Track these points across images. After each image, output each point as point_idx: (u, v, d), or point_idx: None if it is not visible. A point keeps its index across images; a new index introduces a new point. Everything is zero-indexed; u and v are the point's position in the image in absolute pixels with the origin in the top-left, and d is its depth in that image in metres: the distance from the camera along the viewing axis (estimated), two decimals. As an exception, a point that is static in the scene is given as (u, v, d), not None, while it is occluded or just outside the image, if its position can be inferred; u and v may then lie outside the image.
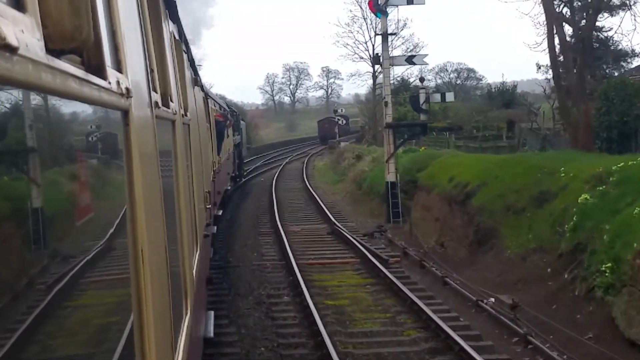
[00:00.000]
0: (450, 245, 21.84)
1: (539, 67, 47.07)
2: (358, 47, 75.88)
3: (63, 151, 2.02)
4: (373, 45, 76.15)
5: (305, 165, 59.04)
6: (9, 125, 1.40)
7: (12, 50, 1.15)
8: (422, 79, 42.04)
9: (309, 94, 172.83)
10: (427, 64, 63.83)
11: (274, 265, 20.51)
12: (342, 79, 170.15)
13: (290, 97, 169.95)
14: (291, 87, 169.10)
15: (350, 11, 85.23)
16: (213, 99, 22.45)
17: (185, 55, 8.52)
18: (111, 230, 2.54)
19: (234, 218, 30.44)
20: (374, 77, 76.32)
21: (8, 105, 1.32)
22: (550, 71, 38.58)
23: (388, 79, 31.44)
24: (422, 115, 32.46)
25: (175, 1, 6.53)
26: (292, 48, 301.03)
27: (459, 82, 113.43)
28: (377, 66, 74.37)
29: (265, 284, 18.05)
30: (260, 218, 30.72)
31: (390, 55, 31.32)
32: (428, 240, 23.35)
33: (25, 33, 1.27)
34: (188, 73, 9.04)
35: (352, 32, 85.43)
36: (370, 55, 77.53)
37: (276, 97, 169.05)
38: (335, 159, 55.04)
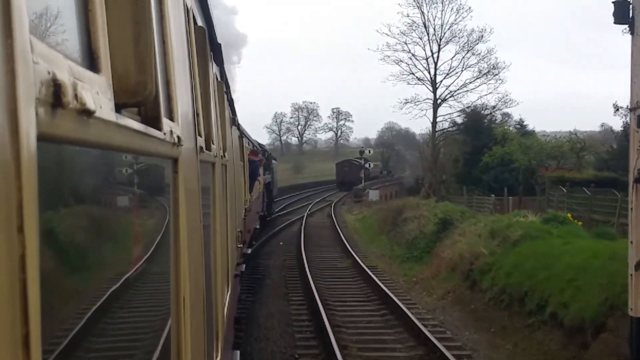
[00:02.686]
0: None
1: None
2: (415, 65, 60.34)
3: (120, 202, 2.04)
4: (435, 63, 60.66)
5: (334, 219, 45.81)
6: (80, 183, 1.42)
7: (90, 114, 1.17)
8: None
9: (318, 135, 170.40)
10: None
11: None
12: (353, 121, 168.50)
13: (298, 137, 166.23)
14: (299, 127, 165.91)
15: (407, 16, 69.24)
16: (247, 138, 22.64)
17: (225, 96, 8.64)
18: (158, 278, 2.56)
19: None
20: (436, 104, 60.92)
21: (75, 164, 1.34)
22: None
23: None
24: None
25: (220, 44, 6.64)
26: (302, 87, 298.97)
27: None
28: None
29: None
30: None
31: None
32: None
33: (100, 95, 1.30)
34: (227, 113, 9.14)
35: (407, 44, 61.41)
36: (430, 77, 61.06)
37: (283, 137, 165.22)
38: (382, 217, 39.99)
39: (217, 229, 5.45)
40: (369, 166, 73.10)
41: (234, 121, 11.88)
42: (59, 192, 1.26)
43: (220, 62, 7.29)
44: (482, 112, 62.05)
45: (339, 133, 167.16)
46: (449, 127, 63.26)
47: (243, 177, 15.90)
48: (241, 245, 12.04)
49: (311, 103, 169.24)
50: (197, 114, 4.02)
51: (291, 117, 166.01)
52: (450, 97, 62.08)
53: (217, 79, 6.92)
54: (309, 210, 54.82)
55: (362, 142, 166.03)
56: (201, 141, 3.99)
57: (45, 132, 0.98)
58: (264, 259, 28.74)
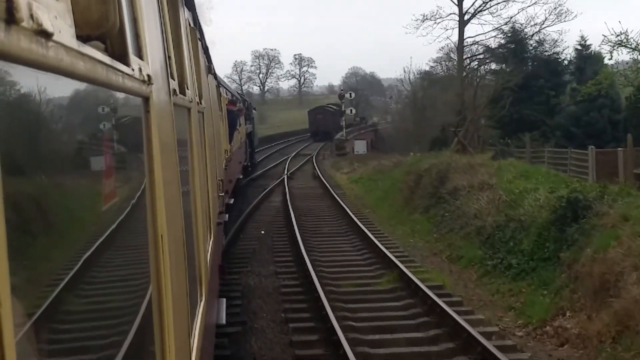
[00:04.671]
0: None
1: None
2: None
3: (89, 138, 2.03)
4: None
5: (325, 183, 35.70)
6: (42, 111, 1.41)
7: (48, 36, 1.16)
8: None
9: (280, 83, 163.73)
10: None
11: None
12: (316, 67, 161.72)
13: (259, 86, 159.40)
14: (261, 75, 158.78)
15: None
16: (225, 87, 22.47)
17: (199, 43, 8.53)
18: (133, 216, 2.56)
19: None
20: (462, 21, 46.69)
21: (40, 92, 1.33)
22: None
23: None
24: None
25: (191, -11, 6.53)
26: (263, 34, 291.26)
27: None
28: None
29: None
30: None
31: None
32: None
33: (58, 19, 1.28)
34: (202, 60, 9.05)
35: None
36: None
37: (245, 87, 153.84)
38: (399, 180, 29.28)
39: (195, 174, 5.44)
40: (351, 112, 62.97)
41: (210, 69, 11.76)
42: (18, 116, 1.25)
43: (192, 7, 7.18)
44: (525, 30, 47.01)
45: (302, 80, 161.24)
46: (481, 53, 48.87)
47: (222, 127, 15.83)
48: (222, 194, 12.06)
49: (272, 50, 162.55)
50: (169, 57, 3.97)
51: (252, 66, 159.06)
52: (482, 9, 48.35)
53: (189, 24, 6.83)
54: (288, 171, 42.75)
55: (326, 89, 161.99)
56: (174, 84, 3.96)
57: (0, 49, 0.97)
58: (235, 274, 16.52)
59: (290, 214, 24.27)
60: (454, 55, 48.86)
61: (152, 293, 2.63)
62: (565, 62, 48.44)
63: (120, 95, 2.24)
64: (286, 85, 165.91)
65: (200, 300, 5.37)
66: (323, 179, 37.80)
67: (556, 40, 48.33)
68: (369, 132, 69.13)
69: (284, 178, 38.16)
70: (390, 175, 33.29)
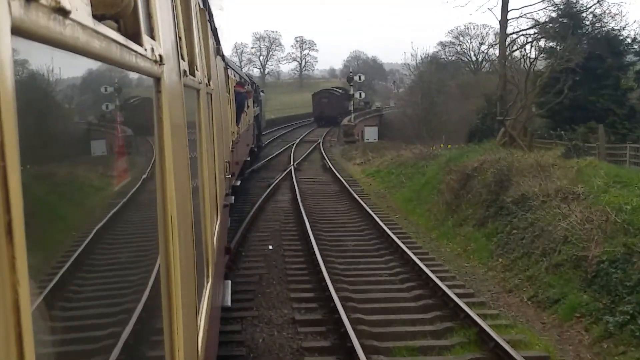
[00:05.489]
0: None
1: None
2: None
3: (101, 118, 2.03)
4: None
5: (339, 177, 30.95)
6: (58, 90, 1.42)
7: (65, 13, 1.16)
8: None
9: (281, 66, 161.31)
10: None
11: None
12: (317, 50, 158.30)
13: (260, 68, 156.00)
14: (261, 58, 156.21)
15: None
16: (233, 69, 22.42)
17: (208, 24, 8.51)
18: (144, 196, 2.57)
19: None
20: None
21: (56, 70, 1.33)
22: None
23: None
24: None
25: (201, -31, 6.50)
26: (263, 16, 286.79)
27: None
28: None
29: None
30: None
31: None
32: None
33: (75, -3, 1.28)
34: (211, 42, 9.02)
35: None
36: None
37: (245, 69, 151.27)
38: (437, 184, 23.83)
39: (203, 156, 5.45)
40: (360, 95, 57.62)
41: (219, 51, 11.73)
42: (36, 90, 1.26)
43: (202, -12, 7.15)
44: (581, 2, 40.17)
45: (303, 63, 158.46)
46: (529, 28, 41.29)
47: (229, 109, 15.82)
48: (229, 176, 12.08)
49: (273, 32, 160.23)
50: (180, 38, 3.97)
51: (252, 47, 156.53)
52: None
53: (199, 5, 6.81)
54: (294, 161, 38.50)
55: (327, 73, 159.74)
56: (184, 65, 3.96)
57: (19, 26, 0.97)
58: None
59: (303, 221, 19.87)
60: (462, 39, 46.62)
61: (161, 273, 2.64)
62: (629, 40, 40.86)
63: (132, 75, 2.24)
64: (287, 68, 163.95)
65: (207, 282, 5.39)
66: (335, 171, 33.25)
67: (616, 14, 42.63)
68: (374, 117, 64.79)
69: (290, 170, 34.13)
70: (417, 169, 28.56)
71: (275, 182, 29.79)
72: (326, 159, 39.66)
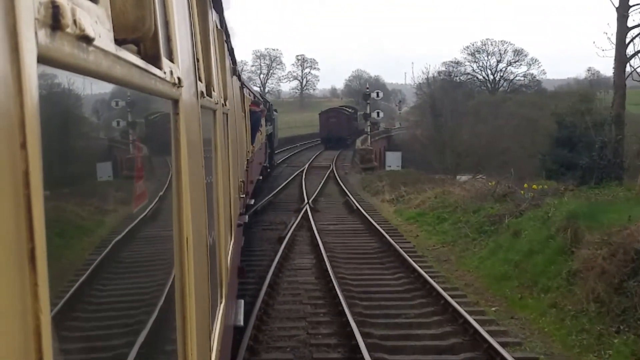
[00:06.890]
0: None
1: None
2: None
3: (120, 140, 2.05)
4: None
5: (373, 224, 22.80)
6: (81, 114, 1.43)
7: (89, 41, 1.17)
8: None
9: (282, 85, 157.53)
10: None
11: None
12: (319, 69, 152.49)
13: (260, 87, 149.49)
14: (262, 76, 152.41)
15: None
16: (248, 88, 22.55)
17: (225, 45, 8.58)
18: (160, 218, 2.58)
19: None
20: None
21: (80, 96, 1.35)
22: None
23: None
24: None
25: (219, -9, 6.57)
26: (264, 34, 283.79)
27: None
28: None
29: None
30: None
31: None
32: None
33: (98, 24, 1.29)
34: (227, 62, 9.09)
35: None
36: None
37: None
38: (595, 265, 12.45)
39: (219, 176, 5.47)
40: (378, 115, 49.72)
41: (235, 71, 11.82)
42: (59, 117, 1.27)
43: (220, 9, 7.22)
44: None
45: (304, 82, 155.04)
46: None
47: (245, 128, 15.89)
48: (244, 196, 12.11)
49: (274, 50, 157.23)
50: (197, 60, 4.00)
51: (252, 66, 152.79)
52: None
53: (217, 26, 6.87)
54: (308, 197, 30.11)
55: (328, 92, 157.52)
56: (202, 86, 3.99)
57: (45, 54, 0.98)
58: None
59: (347, 321, 11.88)
60: (478, 55, 39.92)
61: (176, 294, 2.65)
62: None
63: (151, 97, 2.26)
64: (287, 87, 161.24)
65: (220, 302, 5.39)
66: (367, 216, 24.49)
67: None
68: (382, 139, 58.65)
69: (306, 210, 26.42)
70: (486, 217, 20.07)
71: (288, 233, 21.31)
72: (348, 194, 31.31)
